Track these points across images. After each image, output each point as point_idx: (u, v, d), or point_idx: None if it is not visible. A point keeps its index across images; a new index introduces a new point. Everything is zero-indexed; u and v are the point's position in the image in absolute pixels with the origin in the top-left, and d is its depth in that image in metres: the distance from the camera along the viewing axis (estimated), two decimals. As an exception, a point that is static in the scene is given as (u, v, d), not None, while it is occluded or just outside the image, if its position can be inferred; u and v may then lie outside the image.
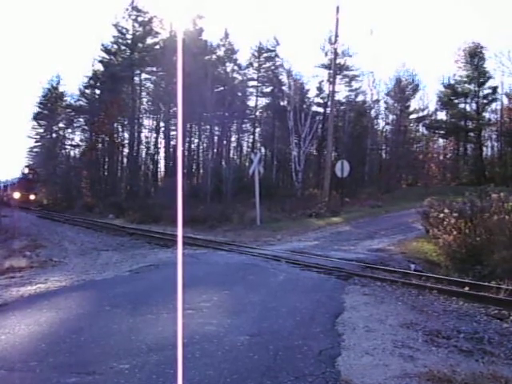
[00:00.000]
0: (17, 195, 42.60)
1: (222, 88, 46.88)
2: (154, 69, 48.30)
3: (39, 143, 61.22)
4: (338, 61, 37.43)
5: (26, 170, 47.93)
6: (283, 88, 47.66)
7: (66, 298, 7.20)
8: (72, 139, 57.07)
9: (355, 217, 23.85)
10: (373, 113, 50.20)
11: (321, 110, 47.87)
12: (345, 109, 48.17)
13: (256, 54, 49.88)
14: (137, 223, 25.46)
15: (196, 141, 50.80)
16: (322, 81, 48.01)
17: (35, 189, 47.19)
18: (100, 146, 48.60)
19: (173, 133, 46.24)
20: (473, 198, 13.89)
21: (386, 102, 49.83)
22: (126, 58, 47.57)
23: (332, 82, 34.24)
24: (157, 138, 50.71)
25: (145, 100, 51.39)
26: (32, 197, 45.14)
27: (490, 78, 46.70)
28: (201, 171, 49.91)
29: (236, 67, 50.14)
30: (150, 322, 5.70)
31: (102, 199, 40.40)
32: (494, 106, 48.18)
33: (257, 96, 51.17)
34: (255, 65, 50.36)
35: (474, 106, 48.05)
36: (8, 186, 48.18)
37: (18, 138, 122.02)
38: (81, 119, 54.24)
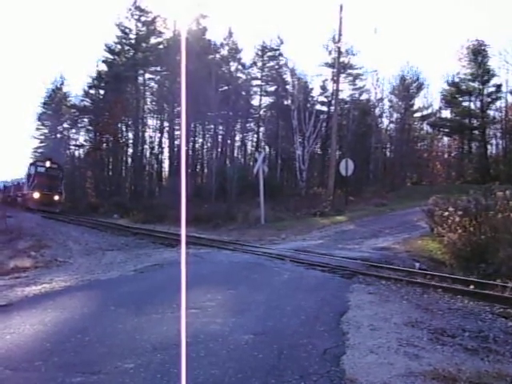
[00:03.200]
0: (36, 195, 34.44)
1: (225, 87, 46.87)
2: (158, 68, 48.34)
3: (44, 143, 61.40)
4: (341, 59, 37.35)
5: (48, 164, 37.12)
6: (287, 87, 47.66)
7: (71, 298, 7.22)
8: (76, 139, 57.20)
9: (360, 215, 23.80)
10: (377, 111, 50.10)
11: (325, 108, 47.84)
12: (349, 107, 48.03)
13: (260, 53, 49.85)
14: (141, 223, 25.53)
15: (200, 140, 50.87)
16: (326, 79, 47.97)
17: (59, 187, 37.08)
18: (104, 146, 48.66)
19: (177, 132, 46.34)
20: (477, 196, 13.83)
21: (390, 101, 49.74)
22: (129, 57, 47.68)
23: (336, 81, 34.22)
24: (161, 138, 50.79)
25: (149, 100, 51.43)
26: (56, 197, 35.89)
27: (494, 75, 46.49)
28: (205, 171, 49.98)
29: (240, 66, 50.16)
30: (155, 321, 5.71)
31: (107, 199, 40.50)
32: (498, 103, 47.95)
33: (261, 95, 51.19)
34: (259, 64, 50.33)
35: (478, 104, 47.85)
36: (22, 183, 38.75)
37: (23, 138, 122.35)
38: (85, 119, 54.31)
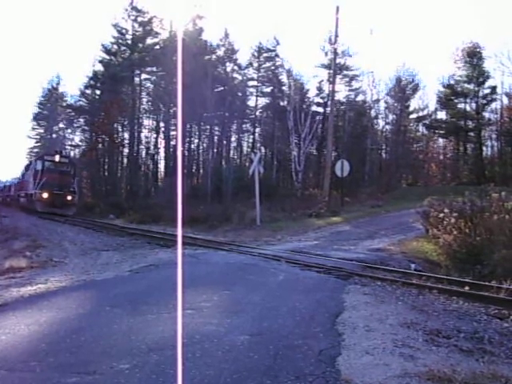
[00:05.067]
0: (45, 195, 29.19)
1: (221, 88, 46.97)
2: (154, 69, 48.37)
3: (39, 143, 61.35)
4: (337, 61, 37.46)
5: (58, 158, 31.60)
6: (283, 88, 47.79)
7: (67, 298, 7.20)
8: (72, 139, 57.28)
9: (355, 216, 23.84)
10: (373, 112, 50.33)
11: (321, 109, 47.95)
12: (345, 108, 48.19)
13: (256, 53, 49.97)
14: (137, 223, 25.48)
15: (196, 141, 50.95)
16: (322, 81, 48.16)
17: (72, 185, 31.42)
18: (100, 146, 48.58)
19: (173, 133, 46.34)
20: (473, 198, 13.89)
21: (385, 102, 49.97)
22: (125, 58, 47.63)
23: (332, 82, 34.25)
24: (157, 138, 50.87)
25: (145, 100, 51.52)
26: (69, 197, 30.48)
27: (489, 77, 46.81)
28: (201, 171, 50.00)
29: (236, 67, 50.29)
30: (151, 321, 5.70)
31: (102, 199, 40.38)
32: (493, 105, 48.28)
33: (257, 96, 51.32)
34: (255, 65, 50.44)
35: (473, 105, 48.04)
36: (26, 182, 32.91)
37: (18, 138, 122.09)
38: (81, 119, 54.32)
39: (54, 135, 57.72)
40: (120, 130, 49.79)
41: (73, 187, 31.44)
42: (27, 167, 34.47)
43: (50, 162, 31.19)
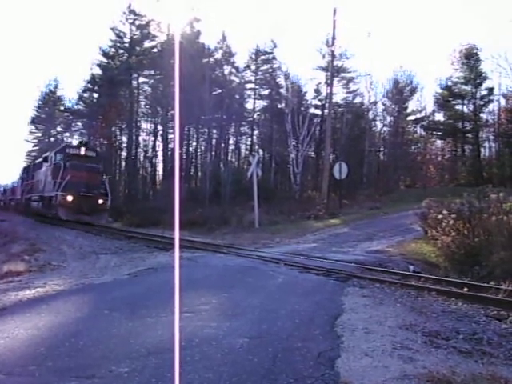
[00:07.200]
0: (70, 198, 23.30)
1: (219, 91, 46.96)
2: (152, 72, 48.40)
3: (37, 147, 61.30)
4: (335, 63, 37.49)
5: (83, 150, 25.62)
6: (281, 90, 47.78)
7: (65, 302, 7.17)
8: (70, 143, 57.11)
9: (353, 218, 23.85)
10: (370, 114, 50.37)
11: (318, 112, 48.04)
12: (342, 111, 48.20)
13: (253, 56, 50.02)
14: (135, 226, 25.45)
15: (194, 144, 50.96)
16: (320, 83, 48.20)
17: (103, 185, 25.39)
18: (98, 149, 48.47)
19: (171, 136, 46.34)
20: (471, 199, 13.91)
21: (383, 104, 50.03)
22: (123, 61, 47.67)
23: (329, 84, 34.31)
24: (155, 141, 50.93)
25: (143, 103, 51.53)
26: (100, 201, 24.60)
27: (486, 78, 46.99)
28: (199, 174, 49.98)
29: (234, 70, 50.33)
30: (149, 325, 5.68)
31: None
32: (491, 106, 48.46)
33: (254, 98, 51.36)
34: (253, 67, 50.49)
35: (471, 107, 48.21)
36: (40, 182, 27.41)
37: (16, 141, 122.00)
38: (79, 123, 54.38)
39: (52, 139, 57.73)
40: (118, 133, 49.80)
41: (103, 188, 25.40)
42: (39, 165, 29.05)
43: (73, 156, 25.01)
